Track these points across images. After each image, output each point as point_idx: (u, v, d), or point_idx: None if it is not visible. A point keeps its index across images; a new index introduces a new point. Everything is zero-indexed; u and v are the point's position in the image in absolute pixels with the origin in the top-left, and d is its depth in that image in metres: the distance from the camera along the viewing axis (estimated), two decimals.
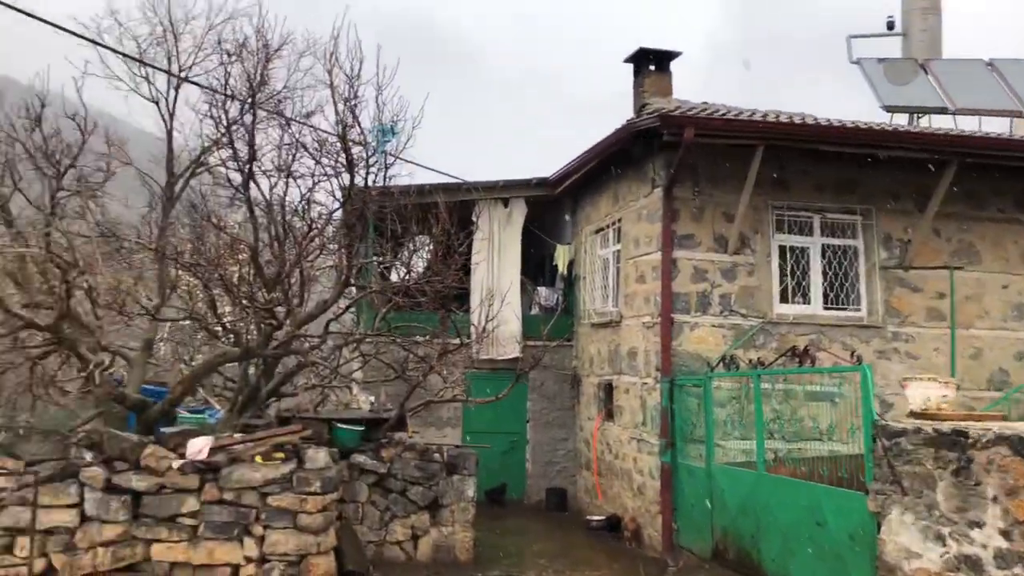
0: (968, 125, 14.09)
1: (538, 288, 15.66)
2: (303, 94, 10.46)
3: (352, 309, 11.20)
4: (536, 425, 14.66)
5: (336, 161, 9.83)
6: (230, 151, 9.72)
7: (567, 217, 15.36)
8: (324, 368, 10.27)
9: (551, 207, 15.33)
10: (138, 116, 11.03)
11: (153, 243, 9.88)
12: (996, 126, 14.34)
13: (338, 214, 10.34)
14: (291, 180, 9.79)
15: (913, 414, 6.93)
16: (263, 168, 9.85)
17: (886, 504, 6.41)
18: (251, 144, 9.38)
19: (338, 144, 9.65)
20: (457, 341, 10.66)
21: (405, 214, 10.88)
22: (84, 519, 7.52)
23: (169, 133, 10.56)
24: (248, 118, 9.49)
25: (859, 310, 11.15)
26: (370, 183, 9.80)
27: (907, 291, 11.16)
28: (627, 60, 13.42)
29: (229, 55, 9.78)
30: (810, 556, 7.50)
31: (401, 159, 10.06)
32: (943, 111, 14.50)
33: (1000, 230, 11.54)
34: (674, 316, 10.51)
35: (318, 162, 9.89)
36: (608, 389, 12.90)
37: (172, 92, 10.52)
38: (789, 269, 11.01)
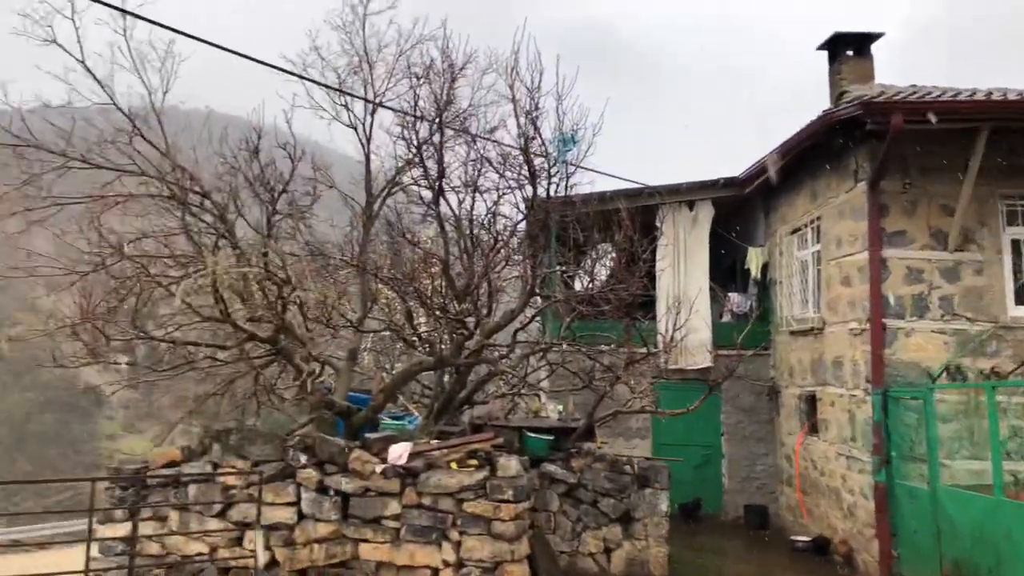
0: None
1: (729, 294, 14.96)
2: (487, 110, 10.72)
3: (538, 318, 11.31)
4: (732, 438, 13.96)
5: (519, 173, 10.00)
6: (421, 170, 10.19)
7: (759, 218, 14.55)
8: (513, 377, 10.43)
9: (740, 208, 14.61)
10: (339, 142, 11.91)
11: (355, 260, 10.56)
12: None
13: (522, 225, 10.50)
14: (477, 194, 10.10)
15: None
16: (451, 184, 10.25)
17: None
18: (440, 162, 9.78)
19: (521, 157, 9.82)
20: (644, 350, 10.40)
21: (587, 222, 10.83)
22: (301, 517, 8.12)
23: (367, 156, 11.26)
24: (437, 137, 9.90)
25: None
26: (552, 193, 9.86)
27: None
28: (821, 47, 12.50)
29: (418, 78, 10.26)
30: None
31: (582, 168, 10.04)
32: None
33: None
34: (885, 322, 9.57)
35: (502, 175, 10.13)
36: (811, 401, 12.00)
37: (368, 117, 11.21)
38: None
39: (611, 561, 9.14)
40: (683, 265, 14.03)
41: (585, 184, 10.69)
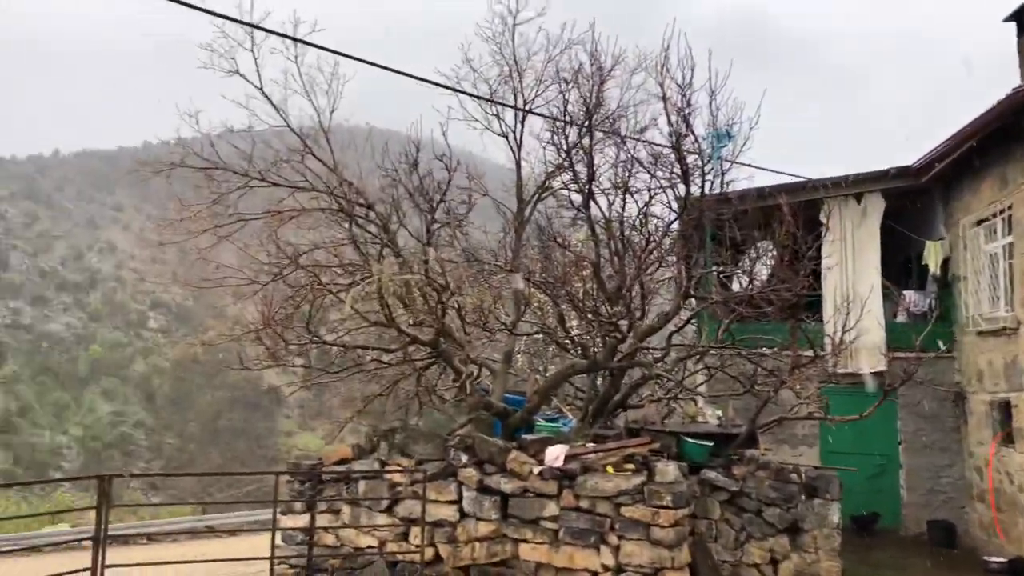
0: None
1: (904, 292, 13.85)
2: (636, 110, 10.60)
3: (693, 321, 11.01)
4: (910, 448, 12.90)
5: (671, 172, 9.80)
6: (571, 174, 10.23)
7: (937, 209, 13.37)
8: (668, 380, 10.22)
9: (915, 199, 13.49)
10: (491, 150, 12.20)
11: (508, 265, 10.77)
12: None
13: (675, 225, 10.27)
14: (628, 196, 9.99)
15: None
16: (601, 187, 10.21)
17: None
18: (590, 165, 9.78)
19: (673, 155, 9.62)
20: (810, 353, 9.83)
21: (745, 220, 10.41)
22: (463, 515, 8.39)
23: (517, 163, 11.46)
24: (586, 140, 9.90)
25: None
26: (706, 191, 9.58)
27: None
28: (1008, 18, 11.30)
29: (567, 83, 10.32)
30: None
31: (738, 163, 9.69)
32: None
33: None
34: None
35: (653, 176, 9.96)
36: (1004, 408, 10.87)
37: (519, 125, 11.42)
38: None
39: (777, 573, 8.71)
40: (851, 262, 13.15)
41: (742, 180, 10.31)
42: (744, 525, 8.82)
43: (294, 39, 9.23)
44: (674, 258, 10.36)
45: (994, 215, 11.14)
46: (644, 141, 10.10)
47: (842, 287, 12.82)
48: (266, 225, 10.20)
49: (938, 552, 11.63)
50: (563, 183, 11.07)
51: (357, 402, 11.38)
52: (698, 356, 10.51)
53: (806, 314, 11.04)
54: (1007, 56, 11.41)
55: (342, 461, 9.46)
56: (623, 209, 9.88)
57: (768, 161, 12.00)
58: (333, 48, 9.36)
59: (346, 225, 10.37)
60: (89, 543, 7.46)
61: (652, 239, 9.68)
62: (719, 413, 11.10)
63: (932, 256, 13.04)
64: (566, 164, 10.26)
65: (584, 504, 7.99)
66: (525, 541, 8.15)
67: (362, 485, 9.14)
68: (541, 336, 11.88)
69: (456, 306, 10.11)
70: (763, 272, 12.33)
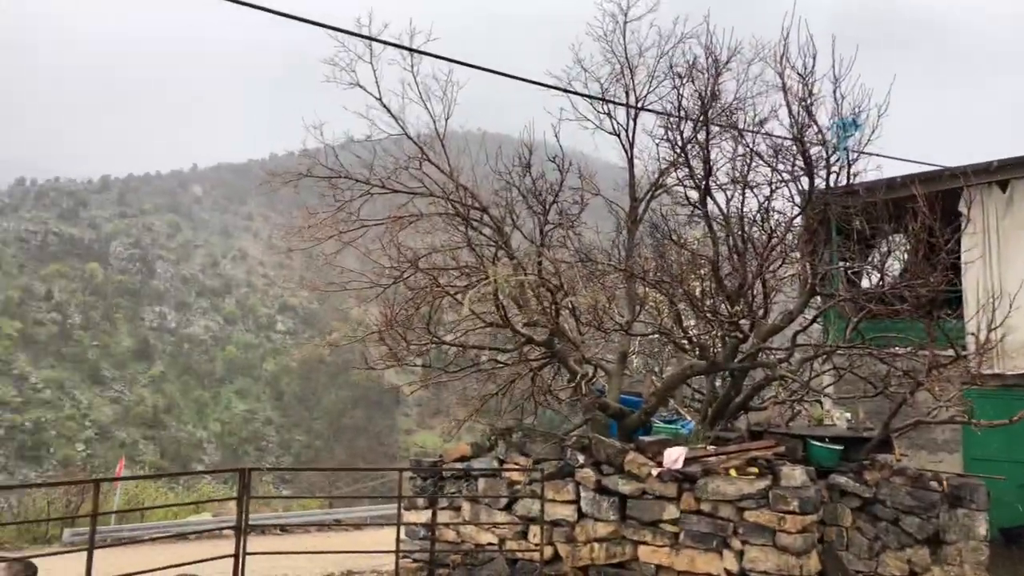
0: None
1: None
2: (754, 102, 10.26)
3: (819, 319, 10.53)
4: None
5: (793, 165, 9.43)
6: (686, 170, 10.03)
7: None
8: (793, 382, 9.82)
9: None
10: (603, 150, 12.12)
11: (622, 264, 10.68)
12: None
13: (798, 220, 9.87)
14: (748, 191, 9.69)
15: None
16: (719, 182, 9.95)
17: None
18: (706, 160, 9.55)
19: (794, 147, 9.26)
20: (950, 353, 9.19)
21: (874, 212, 9.86)
22: (581, 515, 8.39)
23: (630, 161, 11.36)
24: (702, 135, 9.68)
25: None
26: (832, 184, 9.16)
27: None
28: None
29: (680, 77, 10.12)
30: None
31: (865, 153, 9.19)
32: None
33: None
34: None
35: (774, 169, 9.61)
36: None
37: (631, 123, 11.32)
38: None
39: None
40: (996, 255, 12.17)
41: (871, 171, 9.77)
42: (879, 534, 8.36)
43: (410, 49, 9.54)
44: (798, 254, 9.94)
45: None
46: (764, 133, 9.77)
47: (986, 282, 11.89)
48: (387, 230, 10.59)
49: None
50: (678, 180, 10.89)
51: (474, 401, 11.59)
52: (825, 356, 10.04)
53: (944, 311, 10.32)
54: None
55: (462, 458, 9.69)
56: (742, 205, 9.59)
57: (899, 150, 11.30)
58: (447, 56, 9.60)
59: (462, 228, 10.62)
60: (229, 531, 8.03)
61: (774, 235, 9.33)
62: (848, 415, 10.56)
63: None
64: (681, 160, 10.07)
65: (705, 507, 7.82)
66: (644, 543, 8.06)
67: (481, 483, 9.32)
68: (657, 336, 11.69)
69: (570, 306, 10.12)
70: (895, 267, 11.64)
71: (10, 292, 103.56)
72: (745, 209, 9.61)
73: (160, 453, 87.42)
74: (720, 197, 9.81)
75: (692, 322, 10.98)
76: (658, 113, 10.63)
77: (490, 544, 9.01)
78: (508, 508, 8.99)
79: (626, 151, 11.41)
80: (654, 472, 8.13)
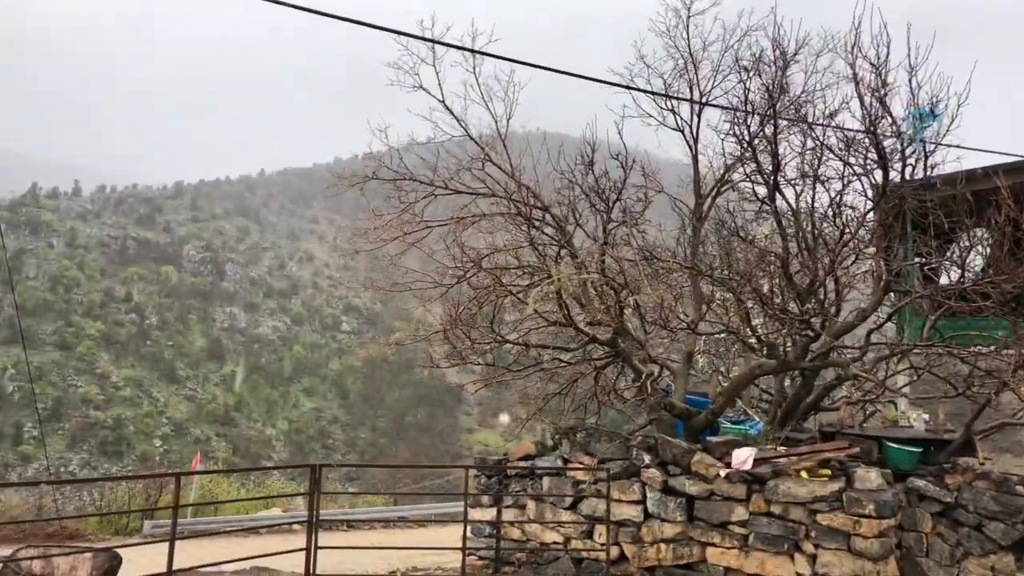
0: None
1: None
2: (823, 94, 9.97)
3: (894, 317, 10.17)
4: None
5: (866, 158, 9.14)
6: (753, 165, 9.82)
7: None
8: (867, 381, 9.50)
9: None
10: (667, 146, 11.96)
11: (687, 262, 10.53)
12: None
13: (872, 215, 9.55)
14: (818, 185, 9.44)
15: None
16: (787, 177, 9.71)
17: None
18: (774, 155, 9.34)
19: (867, 140, 8.97)
20: None
21: (953, 205, 9.46)
22: (647, 516, 8.31)
23: (694, 157, 11.17)
24: (769, 129, 9.47)
25: None
26: (907, 176, 8.84)
27: None
28: None
29: (747, 71, 9.92)
30: None
31: (944, 145, 8.83)
32: None
33: None
34: None
35: (846, 163, 9.34)
36: None
37: (695, 118, 11.13)
38: None
39: None
40: None
41: (950, 162, 9.39)
42: (960, 540, 8.02)
43: (472, 51, 9.60)
44: (871, 250, 9.63)
45: None
46: (835, 126, 9.49)
47: None
48: (450, 231, 10.69)
49: None
50: (745, 175, 10.67)
51: (537, 400, 11.59)
52: (900, 355, 9.69)
53: None
54: None
55: (526, 457, 9.71)
56: (813, 200, 9.35)
57: (981, 141, 10.83)
58: (509, 56, 9.63)
59: (524, 228, 10.64)
60: (298, 526, 8.23)
61: (846, 230, 9.06)
62: (926, 417, 10.18)
63: None
64: (748, 155, 9.87)
65: (776, 510, 7.64)
66: (712, 545, 7.93)
67: (546, 481, 9.32)
68: (724, 335, 11.47)
69: (634, 305, 10.02)
70: (977, 262, 11.15)
71: (93, 295, 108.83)
72: (815, 204, 9.37)
73: (232, 450, 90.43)
74: (789, 192, 9.59)
75: (760, 320, 10.75)
76: (723, 108, 10.43)
77: (555, 543, 9.01)
78: (573, 507, 8.97)
79: (690, 147, 11.23)
80: (722, 473, 7.99)
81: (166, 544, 6.69)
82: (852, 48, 8.67)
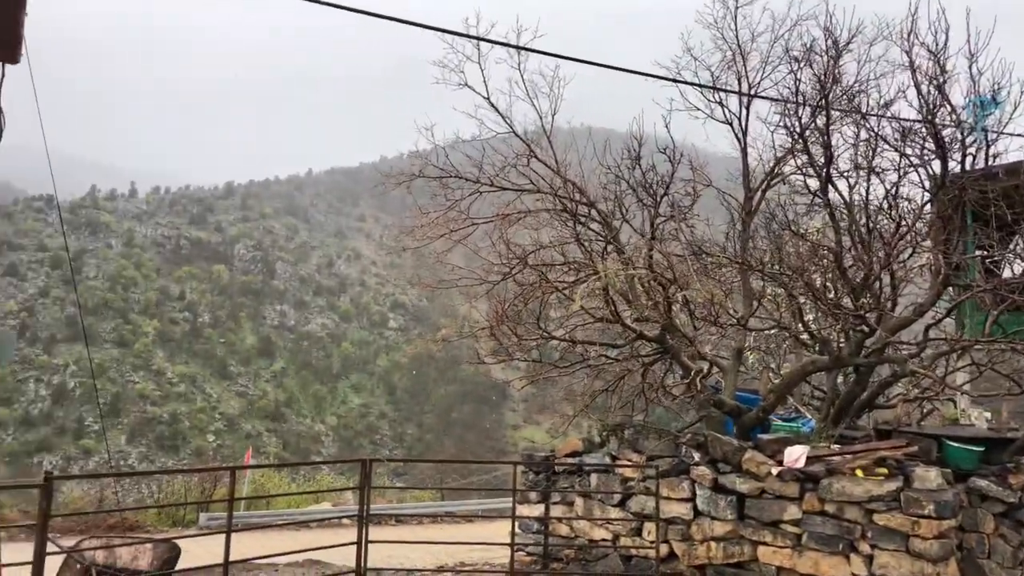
0: None
1: None
2: (878, 83, 9.70)
3: (953, 312, 9.86)
4: None
5: (923, 148, 8.88)
6: (805, 157, 9.62)
7: None
8: (925, 378, 9.24)
9: None
10: (715, 139, 11.78)
11: (737, 257, 10.36)
12: None
13: (929, 207, 9.27)
14: (872, 177, 9.20)
15: None
16: (840, 169, 9.49)
17: None
18: (827, 146, 9.13)
19: (924, 129, 8.71)
20: None
21: (1016, 196, 9.14)
22: (696, 513, 8.22)
23: (743, 150, 10.98)
24: (821, 120, 9.26)
25: None
26: (968, 167, 8.55)
27: None
28: None
29: (797, 61, 9.71)
30: None
31: (1007, 133, 8.53)
32: None
33: None
34: None
35: (902, 154, 9.08)
36: None
37: (743, 111, 10.93)
38: None
39: None
40: None
41: (1013, 151, 9.07)
42: None
43: (517, 47, 9.59)
44: (929, 243, 9.35)
45: None
46: (889, 117, 9.24)
47: None
48: (495, 227, 10.70)
49: None
50: (796, 168, 10.44)
51: (583, 397, 11.55)
52: (960, 351, 9.39)
53: None
54: None
55: (573, 454, 9.69)
56: (867, 192, 9.12)
57: None
58: (554, 52, 9.60)
59: (570, 224, 10.60)
60: (347, 520, 8.35)
61: (903, 223, 8.82)
62: (988, 415, 9.88)
63: None
64: (799, 147, 9.66)
65: (830, 509, 7.48)
66: (764, 544, 7.80)
67: (594, 478, 9.29)
68: (775, 331, 11.27)
69: (682, 301, 9.91)
70: None
71: (149, 293, 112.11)
72: (870, 196, 9.14)
73: (282, 445, 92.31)
74: (842, 184, 9.37)
75: (812, 316, 10.53)
76: (773, 100, 10.22)
77: (603, 540, 8.97)
78: (621, 504, 8.92)
79: (739, 140, 11.03)
80: (774, 471, 7.85)
81: (222, 536, 6.87)
82: (908, 35, 8.44)
